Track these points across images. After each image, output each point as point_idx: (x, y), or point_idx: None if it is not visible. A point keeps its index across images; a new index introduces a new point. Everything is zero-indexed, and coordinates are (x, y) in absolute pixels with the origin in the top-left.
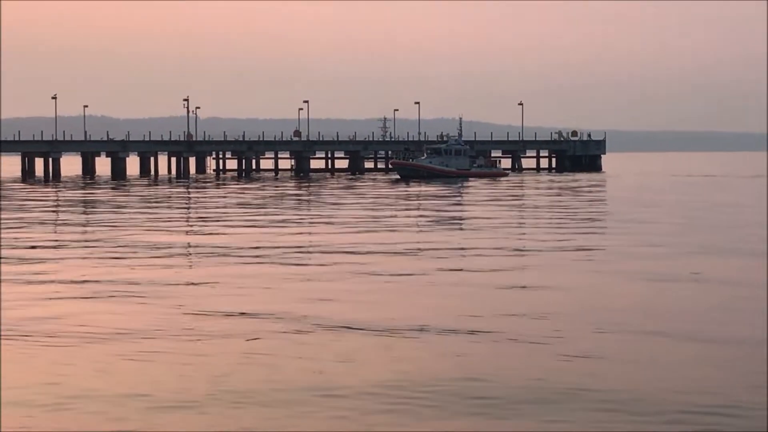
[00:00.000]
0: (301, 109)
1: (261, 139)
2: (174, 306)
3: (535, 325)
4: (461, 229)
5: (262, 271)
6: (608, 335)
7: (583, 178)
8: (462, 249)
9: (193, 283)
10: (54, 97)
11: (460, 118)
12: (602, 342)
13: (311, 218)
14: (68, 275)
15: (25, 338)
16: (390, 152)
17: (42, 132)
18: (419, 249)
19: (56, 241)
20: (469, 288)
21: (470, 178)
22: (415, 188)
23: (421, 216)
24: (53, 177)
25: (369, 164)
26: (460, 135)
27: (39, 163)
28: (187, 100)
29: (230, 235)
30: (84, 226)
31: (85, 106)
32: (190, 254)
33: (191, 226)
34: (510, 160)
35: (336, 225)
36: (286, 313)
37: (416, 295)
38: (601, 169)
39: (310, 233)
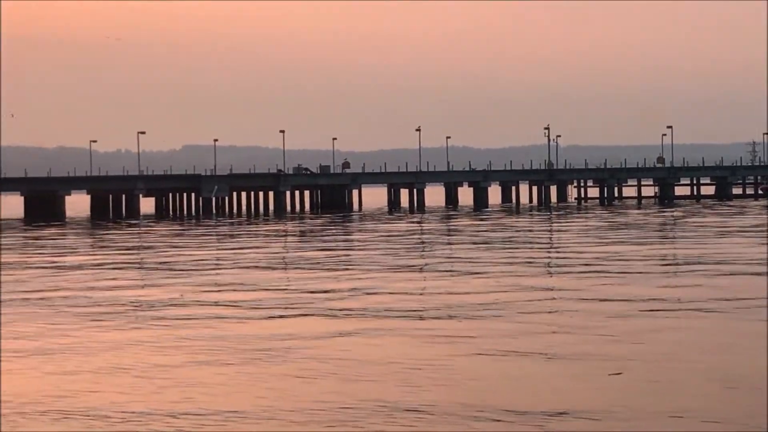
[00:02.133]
0: (665, 134)
1: (623, 166)
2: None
3: None
4: None
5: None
6: None
7: None
8: None
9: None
10: (418, 130)
11: None
12: None
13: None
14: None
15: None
16: (759, 177)
17: (407, 163)
18: None
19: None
20: None
21: None
22: None
23: None
24: (418, 207)
25: (737, 190)
26: None
27: (404, 193)
28: (547, 128)
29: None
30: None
31: (448, 137)
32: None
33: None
34: None
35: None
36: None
37: None
38: None
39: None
